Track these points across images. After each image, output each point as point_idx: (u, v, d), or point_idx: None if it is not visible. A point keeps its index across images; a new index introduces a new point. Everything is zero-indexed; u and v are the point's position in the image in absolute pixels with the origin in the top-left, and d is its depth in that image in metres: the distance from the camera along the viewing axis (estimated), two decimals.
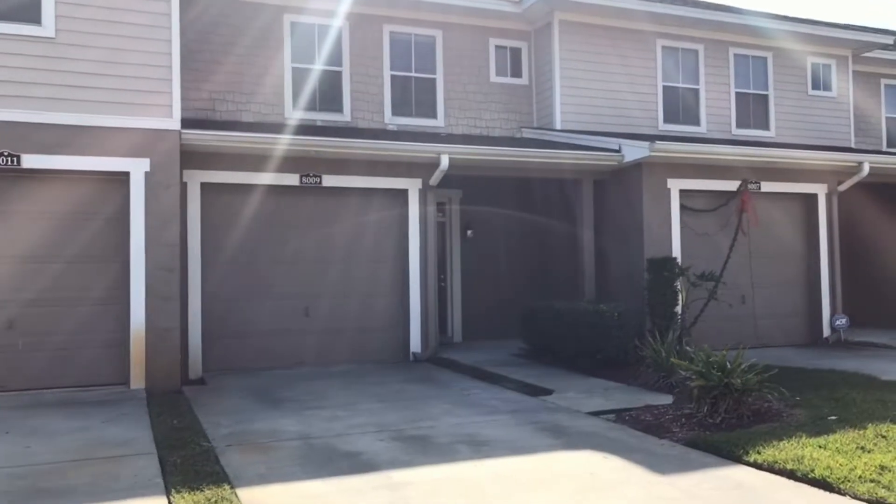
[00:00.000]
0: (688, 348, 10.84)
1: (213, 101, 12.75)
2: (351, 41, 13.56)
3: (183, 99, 12.25)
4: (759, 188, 12.53)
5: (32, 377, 8.87)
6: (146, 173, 9.26)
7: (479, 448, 6.01)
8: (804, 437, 5.91)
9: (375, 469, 5.48)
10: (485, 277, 14.16)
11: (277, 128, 12.02)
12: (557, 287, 13.35)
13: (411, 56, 14.09)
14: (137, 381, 9.10)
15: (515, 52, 14.85)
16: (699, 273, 10.89)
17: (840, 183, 13.17)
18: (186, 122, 11.22)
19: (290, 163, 10.71)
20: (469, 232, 14.25)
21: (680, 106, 15.10)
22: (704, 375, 6.84)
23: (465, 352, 12.19)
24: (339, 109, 13.49)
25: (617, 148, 12.02)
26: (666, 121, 14.85)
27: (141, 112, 9.26)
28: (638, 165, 11.84)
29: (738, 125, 15.51)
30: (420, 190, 11.47)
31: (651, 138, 12.74)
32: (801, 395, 7.87)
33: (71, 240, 9.12)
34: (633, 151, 11.69)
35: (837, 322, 12.99)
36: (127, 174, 9.20)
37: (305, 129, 12.24)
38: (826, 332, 13.03)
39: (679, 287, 11.01)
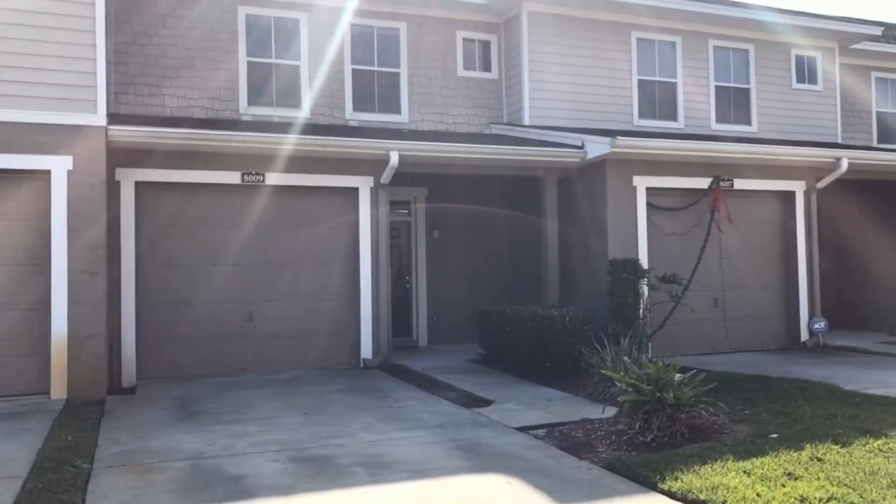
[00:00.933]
0: (647, 356, 10.38)
1: (164, 97, 12.29)
2: (310, 34, 13.06)
3: (131, 94, 12.02)
4: (732, 185, 11.96)
5: None
6: (69, 171, 8.79)
7: (378, 472, 5.50)
8: (730, 461, 5.37)
9: (251, 496, 4.98)
10: (452, 279, 13.65)
11: (227, 124, 11.56)
12: (526, 289, 12.83)
13: (374, 49, 13.59)
14: (59, 390, 8.64)
15: (484, 46, 14.32)
16: (661, 275, 10.31)
17: (819, 180, 12.56)
18: (129, 119, 10.80)
19: (230, 160, 10.22)
20: (435, 232, 13.74)
21: (656, 100, 14.53)
22: (637, 389, 6.30)
23: (423, 357, 11.68)
24: (298, 105, 13.00)
25: (580, 144, 11.48)
26: (641, 116, 14.30)
27: (63, 107, 8.79)
28: (602, 162, 11.29)
29: (718, 120, 14.92)
30: (371, 188, 10.96)
31: (624, 134, 12.21)
32: (754, 407, 7.33)
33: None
34: (596, 148, 11.15)
35: (816, 325, 12.41)
36: (48, 172, 8.73)
37: (256, 125, 11.78)
38: (804, 335, 12.44)
39: (643, 290, 10.46)
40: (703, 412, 6.41)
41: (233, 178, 10.33)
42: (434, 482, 5.28)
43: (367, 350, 10.82)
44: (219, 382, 9.58)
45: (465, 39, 14.13)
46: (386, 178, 10.77)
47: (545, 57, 13.58)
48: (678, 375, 6.51)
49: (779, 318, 12.56)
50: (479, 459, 5.81)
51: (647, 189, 11.48)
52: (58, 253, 8.71)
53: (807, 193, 12.56)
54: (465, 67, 14.13)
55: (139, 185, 9.90)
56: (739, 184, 12.06)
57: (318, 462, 5.77)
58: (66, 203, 8.76)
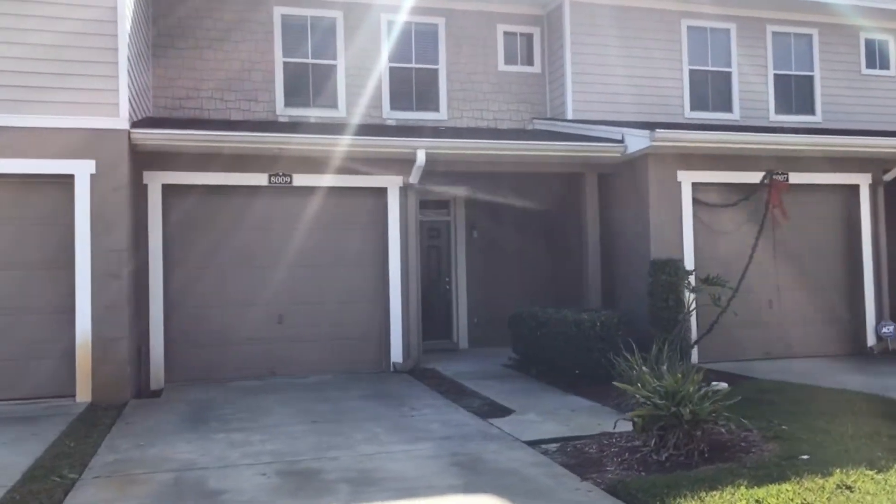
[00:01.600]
0: (687, 364, 9.77)
1: (201, 100, 12.31)
2: (346, 33, 12.88)
3: (169, 97, 12.08)
4: (787, 179, 11.15)
5: None
6: (92, 175, 8.82)
7: (362, 489, 5.20)
8: (743, 488, 4.83)
9: None
10: (493, 280, 13.24)
11: (261, 125, 11.48)
12: (568, 291, 12.33)
13: (412, 46, 13.31)
14: (83, 393, 8.68)
15: (526, 39, 13.87)
16: (704, 276, 9.66)
17: (886, 172, 11.62)
18: (153, 122, 10.84)
19: (256, 162, 10.12)
20: (475, 232, 13.37)
21: (709, 91, 13.78)
22: (654, 403, 5.81)
23: (457, 361, 11.36)
24: (334, 105, 12.84)
25: (620, 138, 10.91)
26: (693, 108, 13.58)
27: (86, 112, 8.82)
28: (644, 157, 10.70)
29: (778, 111, 14.06)
30: (400, 188, 10.69)
31: (673, 127, 11.61)
32: (793, 422, 6.72)
33: (19, 246, 8.79)
34: (636, 142, 10.57)
35: (884, 329, 11.49)
36: (72, 177, 8.78)
37: (291, 126, 11.65)
38: (871, 340, 11.54)
39: (689, 291, 9.82)
40: (724, 430, 5.84)
41: (260, 179, 10.22)
42: (420, 502, 4.93)
43: (396, 354, 10.55)
44: (244, 386, 9.47)
45: (506, 33, 13.70)
46: (414, 177, 10.48)
47: (589, 49, 13.04)
48: (701, 388, 5.97)
49: (841, 321, 11.68)
50: (474, 477, 5.44)
51: (693, 185, 10.82)
52: (81, 256, 8.76)
53: (873, 186, 11.64)
54: (507, 62, 13.71)
55: (166, 188, 9.89)
56: (796, 177, 11.25)
57: (305, 477, 5.51)
58: (90, 207, 8.79)
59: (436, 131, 12.12)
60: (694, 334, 10.44)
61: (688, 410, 5.59)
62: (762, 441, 6.14)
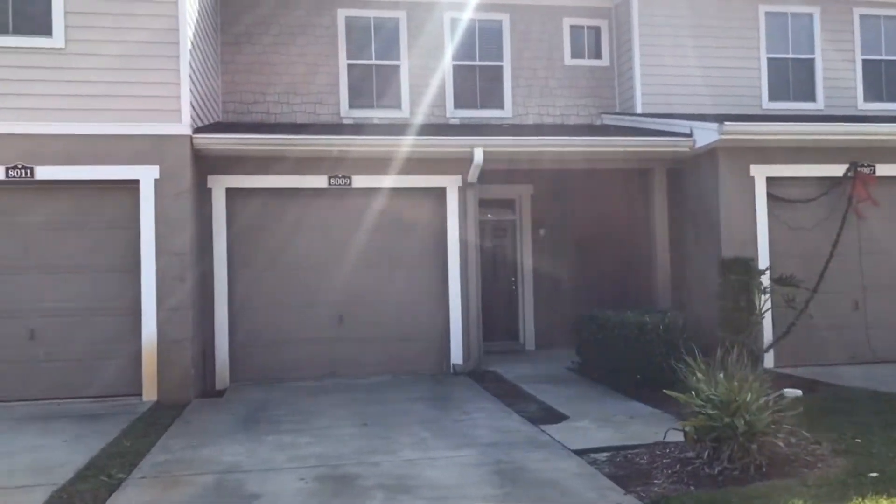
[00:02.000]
0: (769, 368, 9.32)
1: (267, 104, 12.54)
2: (409, 33, 12.89)
3: (237, 102, 12.35)
4: (874, 171, 10.43)
5: (52, 387, 8.94)
6: (156, 180, 9.07)
7: (395, 497, 5.10)
8: None
9: None
10: (560, 280, 12.94)
11: (324, 128, 11.59)
12: (636, 291, 11.90)
13: (475, 44, 13.18)
14: (150, 393, 8.94)
15: (594, 32, 13.53)
16: (777, 276, 9.14)
17: None
18: (228, 127, 11.08)
19: (316, 164, 10.19)
20: (542, 231, 13.10)
21: (790, 80, 13.10)
22: (706, 413, 5.48)
23: (520, 364, 11.15)
24: (397, 105, 12.86)
25: (688, 132, 10.46)
26: (772, 98, 12.94)
27: (149, 118, 9.07)
28: (713, 151, 10.22)
29: (867, 98, 13.24)
30: (459, 188, 10.56)
31: (750, 119, 11.06)
32: (869, 435, 6.23)
33: (87, 250, 9.12)
34: (704, 135, 10.11)
35: None
36: (137, 182, 9.05)
37: (354, 128, 11.69)
38: None
39: (759, 292, 9.31)
40: (781, 443, 5.45)
41: (320, 181, 10.29)
42: None
43: (456, 355, 10.44)
44: (304, 387, 9.55)
45: (572, 26, 13.41)
46: (472, 176, 10.34)
47: (659, 40, 12.60)
48: (762, 396, 5.60)
49: None
50: (512, 487, 5.26)
51: (768, 179, 10.25)
52: (147, 260, 9.02)
53: None
54: (573, 56, 13.41)
55: (230, 192, 10.08)
56: (885, 170, 10.51)
57: (343, 482, 5.46)
58: (154, 211, 9.04)
59: (499, 129, 11.94)
60: (770, 337, 9.92)
61: (742, 422, 5.24)
62: (831, 455, 5.72)
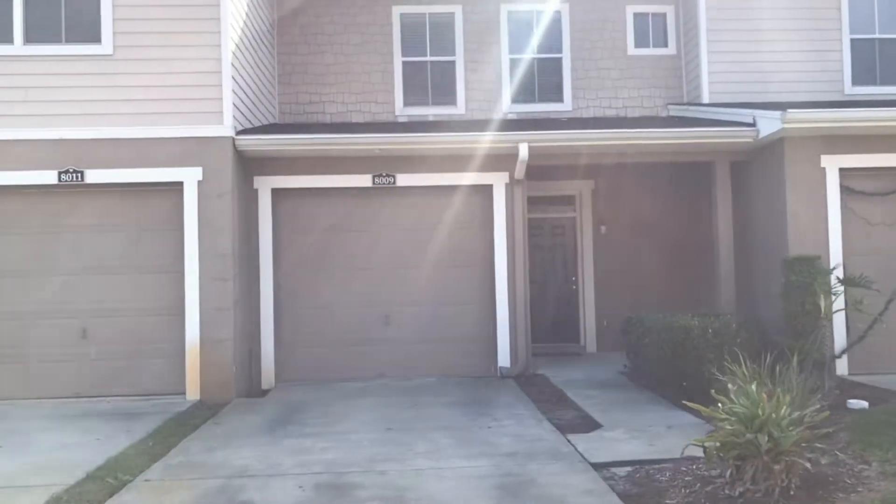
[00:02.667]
0: (841, 376, 8.61)
1: (323, 104, 12.56)
2: (465, 28, 12.66)
3: (293, 103, 12.43)
4: None
5: (103, 385, 9.19)
6: (199, 182, 9.18)
7: None
8: None
9: None
10: (622, 279, 12.38)
11: (378, 126, 11.51)
12: (700, 291, 11.25)
13: (533, 36, 12.79)
14: (192, 392, 9.06)
15: (660, 19, 12.89)
16: (845, 276, 8.38)
17: None
18: (278, 128, 11.15)
19: (360, 163, 10.09)
20: (603, 228, 12.57)
21: (877, 62, 12.05)
22: (734, 429, 4.99)
23: (574, 367, 10.74)
24: (453, 102, 12.65)
25: (751, 121, 9.75)
26: (856, 83, 11.95)
27: (192, 121, 9.19)
28: (779, 141, 9.49)
29: None
30: (507, 185, 10.23)
31: (831, 106, 10.25)
32: None
33: (134, 251, 9.33)
34: (768, 124, 9.40)
35: None
36: (181, 184, 9.18)
37: (409, 126, 11.54)
38: None
39: (824, 294, 8.56)
40: (807, 463, 4.88)
41: (364, 181, 10.18)
42: None
43: (504, 358, 10.12)
44: (347, 388, 9.47)
45: (635, 14, 12.82)
46: (519, 172, 9.98)
47: (728, 23, 11.85)
48: (798, 410, 5.06)
49: None
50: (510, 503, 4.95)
51: (841, 171, 9.43)
52: (190, 261, 9.14)
53: None
54: (637, 45, 12.81)
55: (275, 192, 10.12)
56: None
57: (340, 492, 5.28)
58: (197, 213, 9.16)
59: (556, 123, 11.52)
60: (843, 342, 9.14)
61: (766, 438, 4.73)
62: (877, 478, 5.12)
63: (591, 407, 7.91)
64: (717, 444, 5.00)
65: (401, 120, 12.47)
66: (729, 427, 4.88)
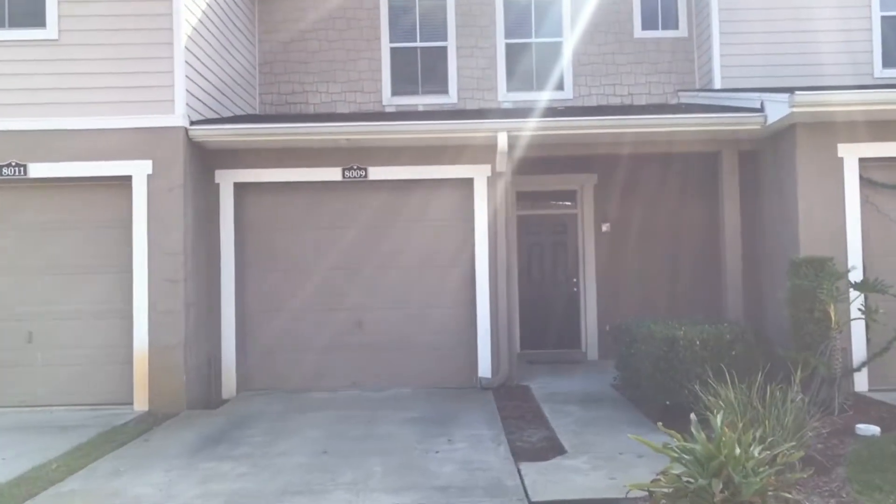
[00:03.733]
0: (860, 392, 7.62)
1: (306, 94, 11.86)
2: (457, 11, 11.87)
3: (275, 94, 11.73)
4: None
5: (51, 394, 8.60)
6: (149, 176, 8.51)
7: None
8: None
9: None
10: (626, 280, 11.42)
11: (372, 117, 10.68)
12: (708, 295, 10.23)
13: (531, 19, 11.90)
14: (140, 402, 8.42)
15: None
16: (859, 280, 7.32)
17: None
18: (258, 118, 10.47)
19: (329, 155, 9.33)
20: (605, 225, 11.61)
21: None
22: (688, 470, 4.08)
23: (567, 377, 9.86)
24: (444, 90, 11.83)
25: (759, 106, 8.72)
26: (887, 64, 10.82)
27: (142, 110, 8.52)
28: (790, 128, 8.46)
29: None
30: (488, 178, 9.35)
31: (854, 89, 9.14)
32: None
33: (83, 250, 8.71)
34: (775, 109, 8.35)
35: None
36: (129, 178, 8.53)
37: (397, 116, 10.73)
38: None
39: (832, 300, 7.50)
40: None
41: (333, 174, 9.40)
42: None
43: (484, 368, 9.25)
44: (310, 399, 8.74)
45: None
46: (500, 165, 9.10)
47: (743, 2, 10.79)
48: (769, 449, 4.13)
49: None
50: None
51: (861, 161, 8.35)
52: (139, 260, 8.49)
53: None
54: (645, 27, 11.83)
55: (239, 187, 9.41)
56: None
57: None
58: (147, 209, 8.49)
59: (552, 112, 10.59)
60: (864, 354, 8.10)
61: (719, 486, 3.80)
62: None
63: (564, 427, 7.02)
64: (667, 489, 4.08)
65: (388, 110, 11.69)
66: (681, 467, 3.96)
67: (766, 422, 5.17)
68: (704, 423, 5.47)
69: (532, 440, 6.69)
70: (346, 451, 6.38)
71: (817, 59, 10.68)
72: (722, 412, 4.44)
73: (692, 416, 4.56)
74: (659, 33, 11.80)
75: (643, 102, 11.66)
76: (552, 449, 6.33)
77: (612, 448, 6.24)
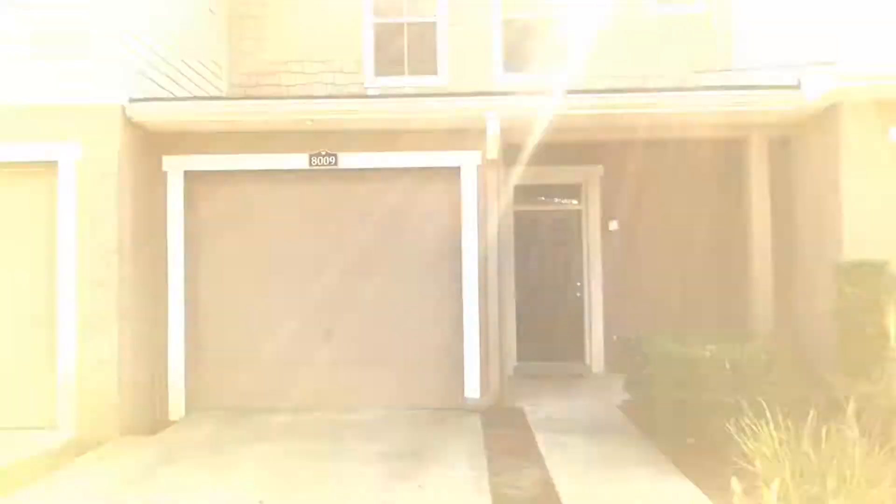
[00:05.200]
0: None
1: (279, 75, 10.61)
2: None
3: (244, 74, 10.52)
4: None
5: None
6: (77, 161, 7.26)
7: None
8: None
9: None
10: (635, 285, 10.11)
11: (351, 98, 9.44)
12: (732, 303, 8.90)
13: None
14: (67, 425, 7.20)
15: None
16: None
17: None
18: (232, 100, 9.24)
19: (294, 140, 8.06)
20: (612, 223, 10.30)
21: None
22: None
23: (567, 396, 8.64)
24: (433, 70, 10.61)
25: (795, 83, 7.39)
26: None
27: (70, 86, 7.26)
28: (833, 108, 7.16)
29: None
30: (479, 167, 8.07)
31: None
32: None
33: (3, 248, 7.44)
34: (816, 85, 7.03)
35: None
36: (55, 164, 7.28)
37: (380, 98, 9.43)
38: None
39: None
40: None
41: (299, 161, 8.13)
42: None
43: (472, 386, 7.97)
44: (267, 423, 7.49)
45: None
46: (491, 151, 7.83)
47: None
48: None
49: None
50: None
51: None
52: (64, 260, 7.24)
53: None
54: (661, 1, 10.51)
55: (190, 176, 8.14)
56: None
57: None
58: (76, 200, 7.24)
59: (550, 91, 9.29)
60: None
61: None
62: None
63: (561, 466, 5.74)
64: None
65: (371, 92, 10.43)
66: None
67: (827, 477, 3.94)
68: (741, 473, 4.23)
69: (521, 485, 5.40)
70: (286, 502, 5.10)
71: (857, 32, 9.34)
72: (777, 482, 3.15)
73: (733, 482, 3.26)
74: (674, 9, 10.59)
75: (655, 85, 10.33)
76: (546, 499, 5.03)
77: (618, 497, 4.95)
